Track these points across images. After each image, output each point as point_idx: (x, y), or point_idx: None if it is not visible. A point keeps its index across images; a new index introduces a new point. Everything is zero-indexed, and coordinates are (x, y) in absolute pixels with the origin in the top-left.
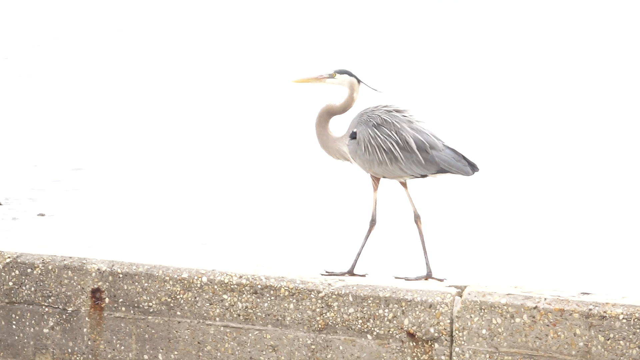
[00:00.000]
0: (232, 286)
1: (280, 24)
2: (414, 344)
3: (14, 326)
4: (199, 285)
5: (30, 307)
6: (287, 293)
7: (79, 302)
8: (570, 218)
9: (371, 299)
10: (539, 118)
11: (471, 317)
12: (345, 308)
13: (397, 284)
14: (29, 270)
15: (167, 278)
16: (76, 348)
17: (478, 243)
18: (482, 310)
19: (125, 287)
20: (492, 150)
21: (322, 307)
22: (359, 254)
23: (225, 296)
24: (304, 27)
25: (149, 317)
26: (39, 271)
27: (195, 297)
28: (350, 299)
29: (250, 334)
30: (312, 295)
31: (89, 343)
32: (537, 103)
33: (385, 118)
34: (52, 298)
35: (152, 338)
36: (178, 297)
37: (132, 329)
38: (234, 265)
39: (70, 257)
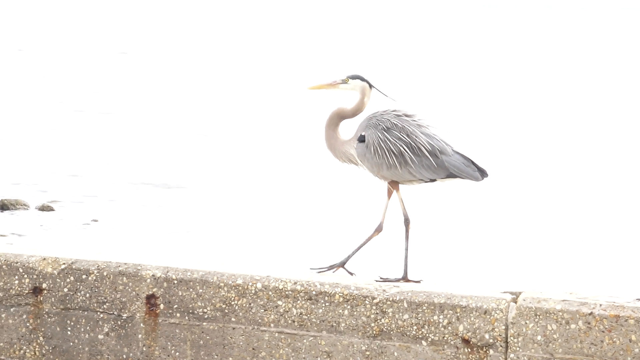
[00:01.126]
0: (286, 292)
1: (293, 27)
2: (469, 350)
3: (69, 332)
4: (253, 291)
5: (85, 313)
6: (341, 299)
7: (133, 308)
8: (598, 221)
9: (426, 305)
10: (543, 121)
11: (526, 323)
12: (400, 314)
13: (452, 290)
14: (84, 276)
15: (222, 284)
16: (131, 354)
17: (521, 248)
18: (537, 317)
19: (180, 293)
20: (500, 153)
21: (377, 314)
22: (406, 258)
23: (279, 302)
24: (317, 31)
25: (204, 323)
26: (94, 277)
27: (249, 303)
28: (405, 305)
29: (304, 340)
30: (366, 302)
31: (144, 349)
32: (541, 106)
33: (394, 122)
34: (107, 304)
35: (206, 344)
36: (233, 303)
37: (187, 335)
38: (288, 272)
39: (125, 263)
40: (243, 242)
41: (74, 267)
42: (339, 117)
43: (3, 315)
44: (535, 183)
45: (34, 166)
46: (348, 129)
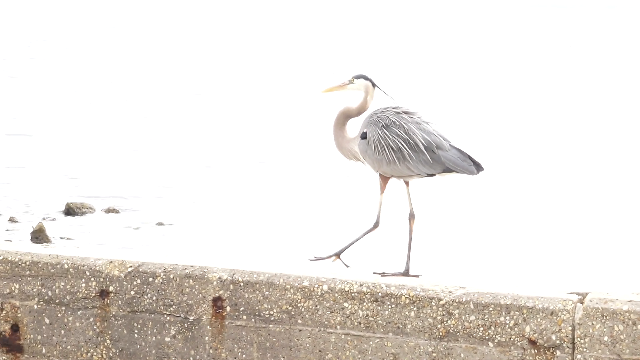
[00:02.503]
0: (352, 294)
1: (296, 26)
2: (536, 351)
3: (136, 335)
4: (319, 293)
5: (152, 316)
6: (407, 301)
7: (200, 311)
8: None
9: (492, 306)
10: (542, 118)
11: (593, 324)
12: (467, 316)
13: (518, 292)
14: (150, 279)
15: (288, 286)
16: (198, 357)
17: (579, 248)
18: (604, 317)
19: (247, 296)
20: (510, 150)
21: (443, 315)
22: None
23: (346, 304)
24: (321, 29)
25: (270, 326)
26: (161, 280)
27: (316, 306)
28: (472, 306)
29: (371, 342)
30: (432, 303)
31: (211, 352)
32: (539, 104)
33: (393, 119)
34: (174, 307)
35: (273, 346)
36: (299, 305)
37: (254, 337)
38: (354, 273)
39: (192, 266)
40: (305, 243)
41: (140, 270)
42: (345, 116)
43: (70, 319)
44: (560, 181)
45: (99, 169)
46: (354, 128)
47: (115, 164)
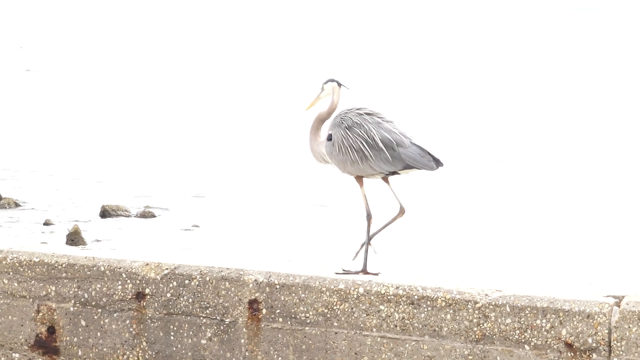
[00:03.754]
0: (388, 297)
1: (275, 31)
2: (572, 354)
3: (172, 337)
4: (355, 296)
5: (188, 318)
6: (443, 304)
7: (236, 313)
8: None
9: (528, 309)
10: (550, 120)
11: (629, 327)
12: (503, 318)
13: (554, 295)
14: (186, 281)
15: (324, 289)
16: (233, 359)
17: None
18: None
19: (282, 298)
20: (528, 148)
21: (479, 318)
22: (366, 252)
23: (382, 307)
24: (292, 31)
25: (306, 328)
26: (197, 282)
27: (352, 308)
28: (508, 309)
29: (407, 345)
30: (469, 306)
31: (247, 354)
32: (541, 104)
33: (355, 120)
34: (210, 309)
35: (309, 349)
36: (335, 308)
37: (290, 339)
38: (390, 276)
39: (228, 269)
40: (340, 245)
41: (176, 272)
42: (318, 121)
43: (107, 321)
44: (586, 183)
45: (135, 172)
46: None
47: (151, 167)
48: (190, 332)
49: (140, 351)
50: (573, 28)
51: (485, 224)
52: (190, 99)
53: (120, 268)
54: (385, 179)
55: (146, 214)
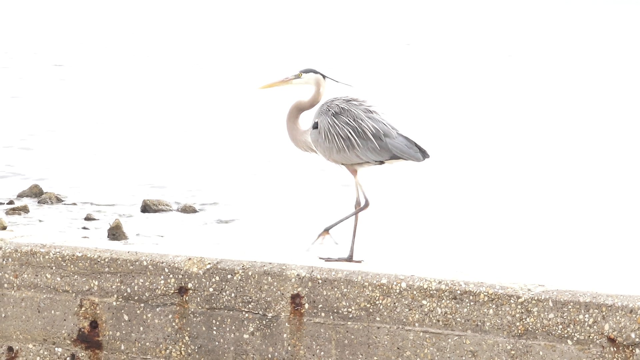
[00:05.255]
0: (431, 292)
1: (247, 25)
2: (615, 349)
3: (214, 332)
4: (398, 290)
5: (231, 312)
6: (486, 298)
7: (278, 308)
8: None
9: (571, 304)
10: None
11: None
12: (545, 313)
13: (597, 289)
14: (229, 276)
15: (366, 284)
16: (276, 354)
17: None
18: None
19: (325, 293)
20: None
21: (522, 313)
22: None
23: (424, 302)
24: (269, 26)
25: (349, 323)
26: (239, 277)
27: (394, 303)
28: (550, 304)
29: (449, 340)
30: (511, 301)
31: (289, 349)
32: (541, 104)
33: (343, 107)
34: (252, 304)
35: (351, 343)
36: (377, 302)
37: (332, 334)
38: (432, 271)
39: (270, 263)
40: (382, 239)
41: (219, 267)
42: (297, 109)
43: (149, 315)
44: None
45: (176, 167)
46: (307, 121)
47: (192, 161)
48: (233, 327)
49: (183, 346)
50: (616, 20)
51: (520, 216)
52: (228, 94)
53: (162, 263)
54: (353, 170)
55: (187, 209)
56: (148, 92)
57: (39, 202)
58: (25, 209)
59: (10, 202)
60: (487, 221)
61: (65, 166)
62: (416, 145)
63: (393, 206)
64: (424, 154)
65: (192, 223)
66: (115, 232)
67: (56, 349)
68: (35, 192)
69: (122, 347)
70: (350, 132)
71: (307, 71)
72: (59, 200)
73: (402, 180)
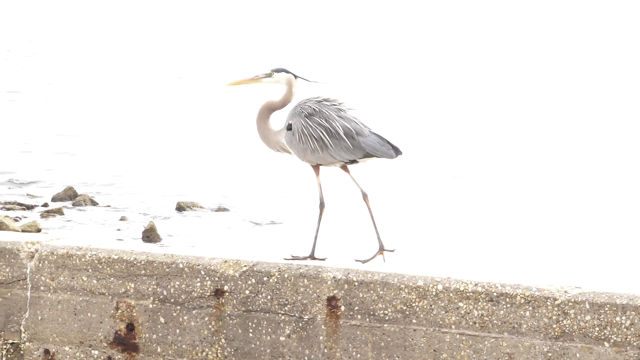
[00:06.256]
0: (467, 294)
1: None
2: None
3: (250, 334)
4: (434, 293)
5: (267, 315)
6: (522, 300)
7: (314, 310)
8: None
9: (608, 306)
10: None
11: None
12: (582, 315)
13: (634, 291)
14: (265, 278)
15: (402, 286)
16: (312, 356)
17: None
18: None
19: (361, 295)
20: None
21: (559, 315)
22: (315, 238)
23: (460, 304)
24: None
25: (385, 325)
26: (275, 279)
27: (430, 305)
28: (587, 306)
29: (486, 342)
30: (548, 303)
31: (325, 351)
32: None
33: (315, 108)
34: (288, 306)
35: (387, 346)
36: (413, 305)
37: (368, 336)
38: (468, 273)
39: (306, 265)
40: (416, 240)
41: (255, 269)
42: (268, 109)
43: (185, 318)
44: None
45: (209, 168)
46: (279, 120)
47: (225, 162)
48: (269, 329)
49: (219, 348)
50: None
51: (551, 217)
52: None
53: (198, 265)
54: (344, 167)
55: (221, 210)
56: (169, 95)
57: (73, 205)
58: (59, 212)
59: (45, 205)
60: (519, 223)
61: (99, 169)
62: (388, 142)
63: (422, 207)
64: (397, 151)
65: (225, 224)
66: (150, 234)
67: (92, 351)
68: (70, 195)
69: (159, 350)
70: (322, 133)
71: (278, 70)
72: (93, 202)
73: (434, 181)
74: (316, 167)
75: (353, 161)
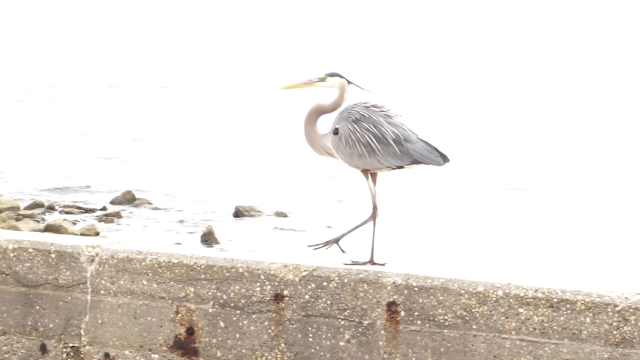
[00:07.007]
0: (527, 300)
1: (267, 27)
2: None
3: (310, 339)
4: (494, 298)
5: (327, 320)
6: (583, 307)
7: (374, 316)
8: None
9: None
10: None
11: None
12: None
13: None
14: (324, 283)
15: (462, 291)
16: None
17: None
18: None
19: (421, 301)
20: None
21: (619, 321)
22: (373, 243)
23: (521, 310)
24: (291, 29)
25: (445, 331)
26: (335, 284)
27: (490, 311)
28: None
29: (546, 348)
30: (608, 309)
31: (385, 356)
32: (533, 101)
33: (363, 113)
34: (348, 311)
35: (447, 351)
36: (473, 310)
37: (428, 342)
38: (529, 279)
39: (366, 270)
40: (476, 247)
41: (314, 274)
42: (317, 112)
43: (245, 322)
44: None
45: (267, 173)
46: (326, 124)
47: (282, 168)
48: (329, 334)
49: (279, 353)
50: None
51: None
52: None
53: (258, 269)
54: (372, 174)
55: (279, 215)
56: (227, 100)
57: (131, 209)
58: (118, 215)
59: (104, 209)
60: (574, 229)
61: (157, 173)
62: (436, 149)
63: (474, 216)
64: (445, 159)
65: (283, 229)
66: (208, 238)
67: (152, 355)
68: (128, 199)
69: (218, 354)
70: (370, 138)
71: (332, 75)
72: (151, 206)
73: (467, 186)
74: (365, 172)
75: (399, 167)
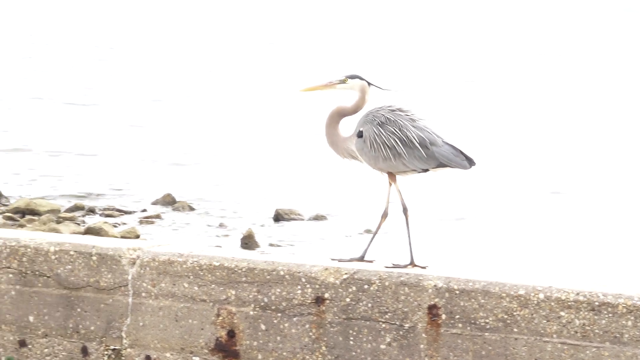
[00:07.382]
0: (569, 303)
1: (286, 28)
2: None
3: (351, 342)
4: (535, 302)
5: (367, 323)
6: (624, 310)
7: (415, 319)
8: None
9: None
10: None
11: None
12: None
13: None
14: (365, 286)
15: (504, 295)
16: None
17: None
18: None
19: (462, 304)
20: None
21: None
22: (410, 245)
23: (562, 313)
24: (309, 30)
25: (486, 334)
26: (376, 287)
27: (532, 314)
28: None
29: (587, 351)
30: None
31: (426, 359)
32: (540, 102)
33: (388, 117)
34: (389, 314)
35: (488, 355)
36: (515, 313)
37: (469, 345)
38: (570, 282)
39: (407, 274)
40: (517, 250)
41: (355, 277)
42: (339, 115)
43: (286, 325)
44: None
45: (307, 176)
46: (348, 126)
47: (323, 170)
48: (370, 337)
49: (320, 356)
50: (624, 29)
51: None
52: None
53: (299, 272)
54: (392, 177)
55: (319, 218)
56: (267, 104)
57: (171, 212)
58: (158, 217)
59: (144, 211)
60: (613, 232)
61: (197, 175)
62: (462, 153)
63: (513, 219)
64: (470, 162)
65: (323, 232)
66: (248, 241)
67: (194, 358)
68: (168, 201)
69: (259, 357)
70: (396, 141)
71: (352, 77)
72: (191, 209)
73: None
74: (391, 175)
75: (425, 170)
